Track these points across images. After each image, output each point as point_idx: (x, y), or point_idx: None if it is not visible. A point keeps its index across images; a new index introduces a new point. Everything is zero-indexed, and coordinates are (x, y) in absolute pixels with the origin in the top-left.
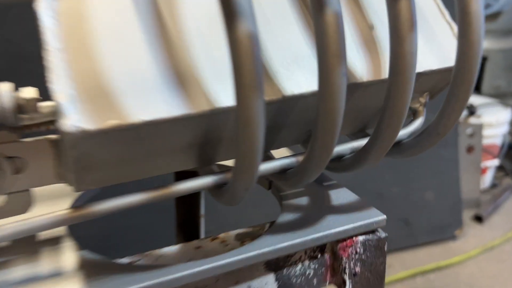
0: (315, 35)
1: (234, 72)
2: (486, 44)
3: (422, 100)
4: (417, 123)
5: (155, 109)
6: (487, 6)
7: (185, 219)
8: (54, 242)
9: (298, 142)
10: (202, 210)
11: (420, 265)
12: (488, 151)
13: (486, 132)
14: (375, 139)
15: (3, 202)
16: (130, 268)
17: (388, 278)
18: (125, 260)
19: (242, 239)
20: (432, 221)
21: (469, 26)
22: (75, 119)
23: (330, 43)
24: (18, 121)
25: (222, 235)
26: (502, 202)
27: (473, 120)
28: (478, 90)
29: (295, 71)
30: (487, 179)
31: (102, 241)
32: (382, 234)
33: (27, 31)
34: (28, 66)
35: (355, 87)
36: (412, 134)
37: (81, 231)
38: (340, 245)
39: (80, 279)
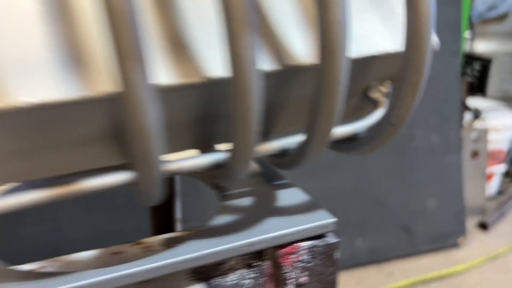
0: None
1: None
2: (493, 46)
3: (383, 89)
4: (377, 115)
5: (47, 89)
6: (493, 7)
7: (160, 223)
8: None
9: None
10: (178, 214)
11: (422, 273)
12: (494, 157)
13: (491, 136)
14: (311, 134)
15: None
16: (30, 275)
17: (388, 286)
18: (28, 267)
19: (171, 245)
20: (434, 228)
21: (417, 5)
22: None
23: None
24: None
25: (147, 239)
26: (509, 209)
27: (478, 124)
28: (483, 93)
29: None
30: (493, 185)
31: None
32: (332, 239)
33: None
34: None
35: (292, 71)
36: (370, 127)
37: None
38: (279, 251)
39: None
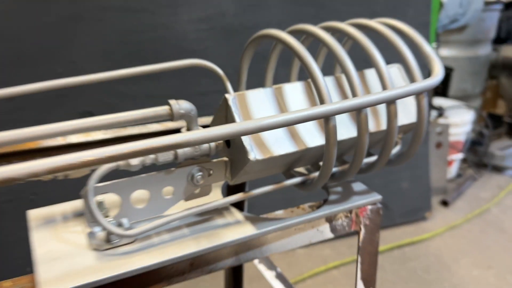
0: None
1: (326, 137)
2: (455, 52)
3: (400, 136)
4: (397, 148)
5: (283, 148)
6: (455, 20)
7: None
8: (231, 211)
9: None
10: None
11: (397, 240)
12: (454, 147)
13: (452, 130)
14: (380, 157)
15: (198, 190)
16: (264, 219)
17: None
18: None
19: (313, 209)
20: (407, 205)
21: (420, 108)
22: (254, 153)
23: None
24: (212, 153)
25: (303, 206)
26: (465, 189)
27: (441, 120)
28: (445, 95)
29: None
30: (452, 170)
31: None
32: (378, 205)
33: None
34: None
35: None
36: (395, 154)
37: None
38: (359, 210)
39: (247, 224)
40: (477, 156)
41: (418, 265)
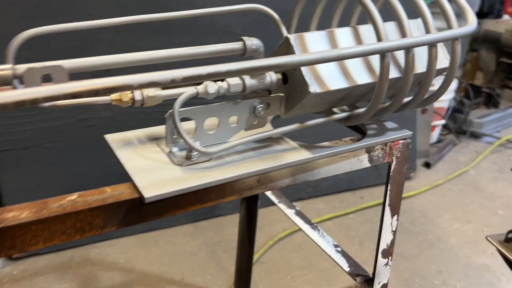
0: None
1: (380, 72)
2: (440, 24)
3: None
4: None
5: (337, 83)
6: None
7: None
8: (285, 140)
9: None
10: None
11: None
12: (437, 113)
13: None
14: (417, 95)
15: (256, 121)
16: (315, 147)
17: (361, 206)
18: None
19: (354, 140)
20: None
21: (454, 53)
22: (314, 87)
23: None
24: (272, 88)
25: (344, 139)
26: (446, 153)
27: None
28: None
29: None
30: (435, 135)
31: None
32: (409, 140)
33: None
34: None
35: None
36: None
37: None
38: (392, 144)
39: (303, 150)
40: (457, 123)
41: (405, 219)
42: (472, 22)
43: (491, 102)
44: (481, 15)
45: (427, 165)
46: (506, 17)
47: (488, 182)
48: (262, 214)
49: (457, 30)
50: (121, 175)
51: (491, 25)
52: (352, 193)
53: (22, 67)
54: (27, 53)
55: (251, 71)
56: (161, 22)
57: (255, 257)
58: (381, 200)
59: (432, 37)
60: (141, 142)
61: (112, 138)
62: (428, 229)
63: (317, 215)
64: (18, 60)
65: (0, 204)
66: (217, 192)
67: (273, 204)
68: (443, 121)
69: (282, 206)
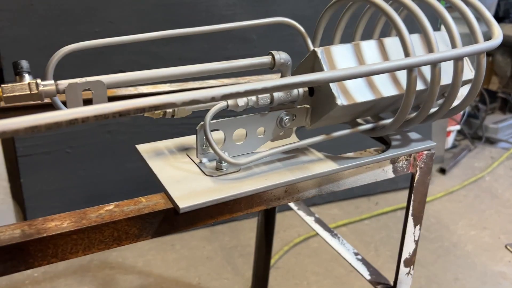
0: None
1: (407, 85)
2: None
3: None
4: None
5: (364, 95)
6: None
7: None
8: (311, 151)
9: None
10: None
11: (400, 203)
12: (452, 118)
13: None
14: (443, 106)
15: (282, 132)
16: (340, 158)
17: (376, 212)
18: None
19: (379, 152)
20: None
21: (479, 66)
22: (341, 99)
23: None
24: (299, 100)
25: (369, 149)
26: (461, 159)
27: None
28: None
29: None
30: (450, 140)
31: None
32: (433, 151)
33: None
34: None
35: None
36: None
37: None
38: (416, 154)
39: (329, 161)
40: (472, 129)
41: None
42: (498, 36)
43: (507, 107)
44: (496, 19)
45: (442, 171)
46: None
47: (504, 188)
48: (278, 219)
49: (483, 44)
50: (140, 181)
51: (507, 29)
52: (366, 199)
53: (64, 83)
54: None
55: (286, 88)
56: (178, 23)
57: (271, 262)
58: (396, 206)
59: (459, 52)
60: (172, 153)
61: (143, 148)
62: (444, 235)
63: (332, 221)
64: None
65: (22, 207)
66: (246, 203)
67: (289, 209)
68: (458, 127)
69: (301, 213)
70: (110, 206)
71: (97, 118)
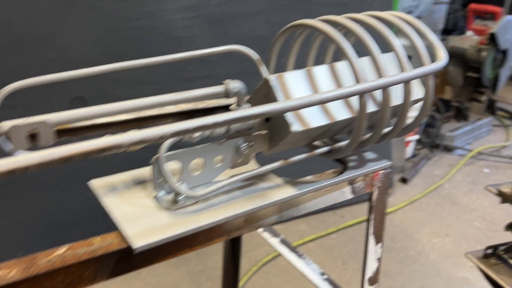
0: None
1: (360, 109)
2: (409, 42)
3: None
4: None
5: (318, 120)
6: (410, 12)
7: None
8: (270, 177)
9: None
10: None
11: (364, 215)
12: None
13: (409, 113)
14: (396, 127)
15: (241, 159)
16: (299, 182)
17: (341, 225)
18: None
19: (335, 175)
20: None
21: (428, 87)
22: (296, 126)
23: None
24: (255, 127)
25: (327, 172)
26: (420, 167)
27: None
28: None
29: None
30: (409, 150)
31: None
32: (389, 170)
33: None
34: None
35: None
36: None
37: None
38: (373, 174)
39: (288, 186)
40: (430, 138)
41: (386, 236)
42: (443, 58)
43: (461, 115)
44: (446, 31)
45: (404, 180)
46: (469, 33)
47: (462, 194)
48: (246, 238)
49: (430, 66)
50: (99, 209)
51: (456, 41)
52: (332, 212)
53: (7, 124)
54: None
55: (238, 121)
56: (135, 47)
57: (240, 284)
58: (362, 218)
59: (407, 76)
60: (127, 187)
61: (97, 184)
62: (409, 245)
63: (299, 237)
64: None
65: None
66: (206, 236)
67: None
68: (416, 136)
69: (266, 235)
70: (62, 250)
71: (38, 167)
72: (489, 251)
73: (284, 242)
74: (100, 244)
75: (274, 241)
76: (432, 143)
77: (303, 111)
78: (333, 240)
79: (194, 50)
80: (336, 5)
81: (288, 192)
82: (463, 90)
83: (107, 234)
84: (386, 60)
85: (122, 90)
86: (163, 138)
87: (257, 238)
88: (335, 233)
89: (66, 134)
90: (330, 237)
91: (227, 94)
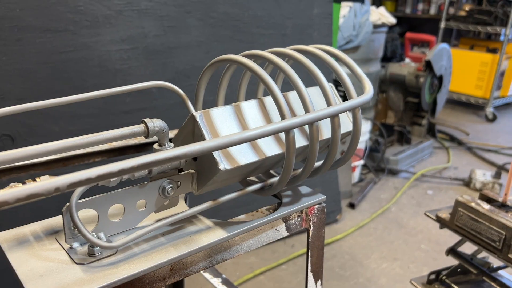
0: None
1: (287, 146)
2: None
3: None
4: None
5: (247, 158)
6: (350, 41)
7: None
8: (199, 219)
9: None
10: None
11: None
12: (356, 154)
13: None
14: (326, 161)
15: (167, 202)
16: (230, 223)
17: (292, 255)
18: (237, 219)
19: (270, 211)
20: None
21: (356, 120)
22: (224, 164)
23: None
24: (181, 166)
25: (261, 209)
26: (367, 192)
27: None
28: None
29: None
30: (356, 175)
31: None
32: (323, 204)
33: None
34: None
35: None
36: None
37: None
38: (308, 209)
39: (217, 229)
40: (375, 162)
41: (335, 263)
42: (369, 91)
43: (404, 139)
44: (386, 59)
45: (352, 205)
46: (407, 60)
47: (408, 217)
48: (190, 279)
49: (356, 100)
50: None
51: (395, 68)
52: (282, 242)
53: None
54: None
55: (159, 164)
56: (69, 80)
57: None
58: None
59: (334, 110)
60: (38, 238)
61: (3, 237)
62: (359, 271)
63: (249, 270)
64: None
65: None
66: None
67: None
68: (362, 161)
69: (207, 275)
70: None
71: None
72: (432, 276)
73: (226, 282)
74: None
75: (216, 282)
76: (378, 167)
77: (231, 149)
78: (284, 271)
79: (126, 85)
80: (277, 36)
81: (217, 235)
82: (404, 115)
83: None
84: (315, 93)
85: (55, 126)
86: (58, 190)
87: (203, 278)
88: (286, 263)
89: None
90: (281, 268)
91: (146, 133)
